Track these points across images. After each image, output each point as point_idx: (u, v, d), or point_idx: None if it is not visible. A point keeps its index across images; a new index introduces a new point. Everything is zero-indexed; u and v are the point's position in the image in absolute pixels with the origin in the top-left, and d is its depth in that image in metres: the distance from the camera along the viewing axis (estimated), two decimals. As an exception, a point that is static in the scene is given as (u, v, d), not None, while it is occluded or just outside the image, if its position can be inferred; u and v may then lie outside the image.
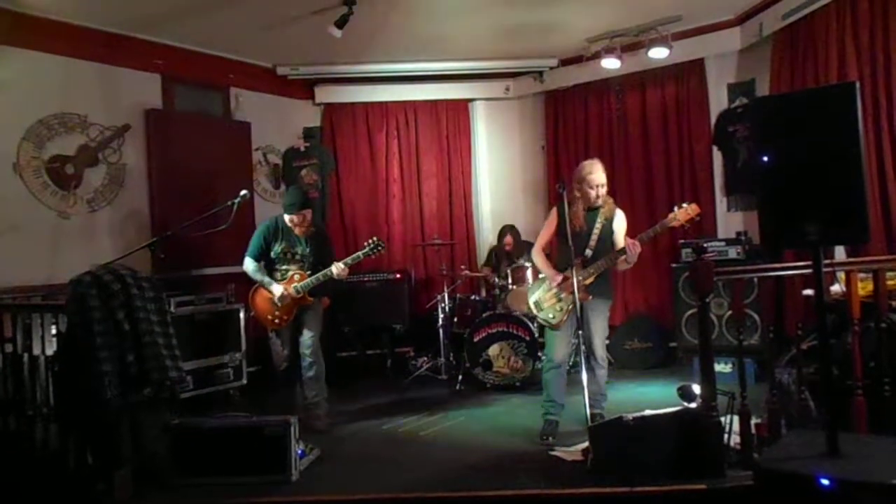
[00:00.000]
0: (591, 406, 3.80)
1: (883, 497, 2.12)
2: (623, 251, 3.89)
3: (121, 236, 5.27)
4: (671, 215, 3.85)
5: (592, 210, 4.06)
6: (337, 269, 4.25)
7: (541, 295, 4.16)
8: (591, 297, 3.97)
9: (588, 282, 3.94)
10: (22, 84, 4.81)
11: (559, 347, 4.09)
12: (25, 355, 3.59)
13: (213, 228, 4.50)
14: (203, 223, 4.47)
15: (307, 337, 4.35)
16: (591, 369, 4.03)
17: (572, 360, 4.90)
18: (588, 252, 4.00)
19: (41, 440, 3.52)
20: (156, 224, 5.42)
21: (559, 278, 4.03)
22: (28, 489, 3.30)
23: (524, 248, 5.77)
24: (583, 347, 3.82)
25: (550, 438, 3.92)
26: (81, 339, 3.20)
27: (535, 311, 4.22)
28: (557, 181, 4.14)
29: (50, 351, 3.50)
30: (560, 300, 4.05)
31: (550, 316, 4.07)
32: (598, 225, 4.03)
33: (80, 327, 3.21)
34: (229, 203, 4.40)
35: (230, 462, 3.37)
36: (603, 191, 4.04)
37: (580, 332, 3.78)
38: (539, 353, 5.22)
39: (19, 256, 4.67)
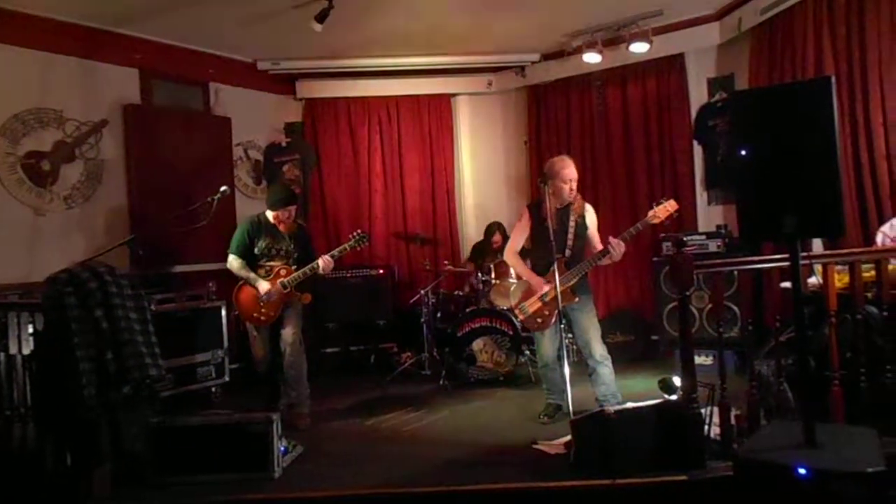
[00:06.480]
0: (603, 406, 3.80)
1: (858, 485, 2.16)
2: (605, 252, 3.90)
3: (98, 233, 5.20)
4: (651, 213, 3.89)
5: (564, 208, 4.06)
6: (323, 261, 4.24)
7: (523, 299, 4.14)
8: (577, 298, 3.97)
9: (571, 284, 3.95)
10: (-4, 79, 4.74)
11: (546, 347, 4.15)
12: (2, 354, 3.51)
13: (193, 225, 4.46)
14: (183, 220, 4.43)
15: (288, 333, 4.32)
16: (593, 371, 4.03)
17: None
18: (567, 252, 3.99)
19: (19, 440, 3.46)
20: (134, 221, 5.36)
21: (547, 287, 3.97)
22: (6, 490, 3.25)
23: None
24: (574, 347, 3.81)
25: (545, 418, 4.10)
26: (58, 338, 3.15)
27: (519, 316, 4.22)
28: (539, 176, 4.13)
29: (27, 350, 3.44)
30: (545, 303, 4.04)
31: (539, 321, 4.08)
32: (571, 223, 4.04)
33: (57, 326, 3.17)
34: (209, 199, 4.36)
35: (212, 460, 3.34)
36: (575, 186, 4.04)
37: (561, 325, 3.79)
38: (523, 347, 5.25)
39: (-5, 254, 4.60)
